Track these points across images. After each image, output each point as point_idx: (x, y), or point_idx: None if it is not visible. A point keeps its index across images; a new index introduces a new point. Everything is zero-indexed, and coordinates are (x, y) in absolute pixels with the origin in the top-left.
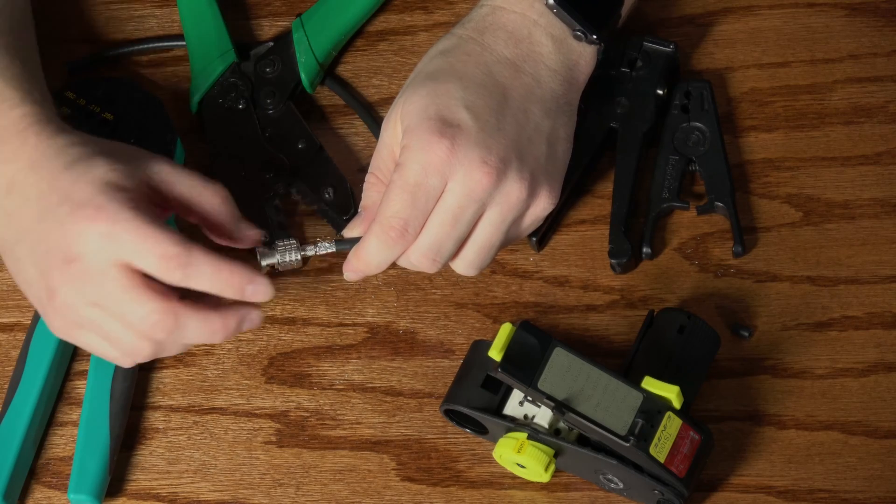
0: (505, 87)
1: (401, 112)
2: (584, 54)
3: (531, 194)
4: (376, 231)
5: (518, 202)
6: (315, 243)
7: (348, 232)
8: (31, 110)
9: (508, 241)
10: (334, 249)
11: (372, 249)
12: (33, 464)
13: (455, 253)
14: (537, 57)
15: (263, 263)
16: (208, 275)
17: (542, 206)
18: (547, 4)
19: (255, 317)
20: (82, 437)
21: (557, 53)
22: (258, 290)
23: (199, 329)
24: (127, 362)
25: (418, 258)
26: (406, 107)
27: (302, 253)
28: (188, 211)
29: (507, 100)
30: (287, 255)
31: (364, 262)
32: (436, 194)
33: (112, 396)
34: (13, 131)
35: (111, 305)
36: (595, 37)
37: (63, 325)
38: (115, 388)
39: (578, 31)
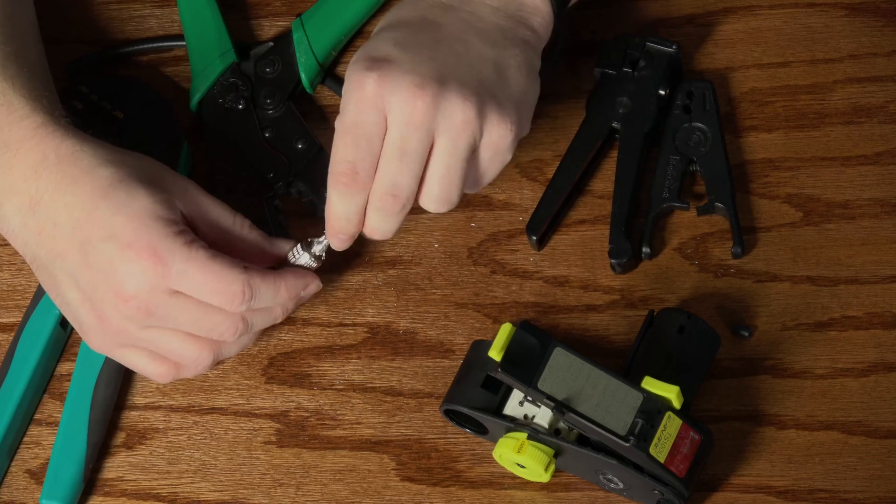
0: (439, 24)
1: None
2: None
3: (479, 114)
4: (330, 183)
5: (465, 123)
6: (310, 243)
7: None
8: (43, 120)
9: (478, 179)
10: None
11: (333, 203)
12: (8, 467)
13: (418, 190)
14: None
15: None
16: (270, 296)
17: (498, 132)
18: None
19: (313, 286)
20: (59, 443)
21: None
22: (310, 290)
23: (269, 294)
24: (174, 376)
25: (381, 199)
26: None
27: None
28: (216, 238)
29: (442, 34)
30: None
31: (332, 221)
32: (377, 131)
33: (93, 404)
34: (28, 145)
35: (175, 323)
36: None
37: (109, 346)
38: (97, 395)
39: None
